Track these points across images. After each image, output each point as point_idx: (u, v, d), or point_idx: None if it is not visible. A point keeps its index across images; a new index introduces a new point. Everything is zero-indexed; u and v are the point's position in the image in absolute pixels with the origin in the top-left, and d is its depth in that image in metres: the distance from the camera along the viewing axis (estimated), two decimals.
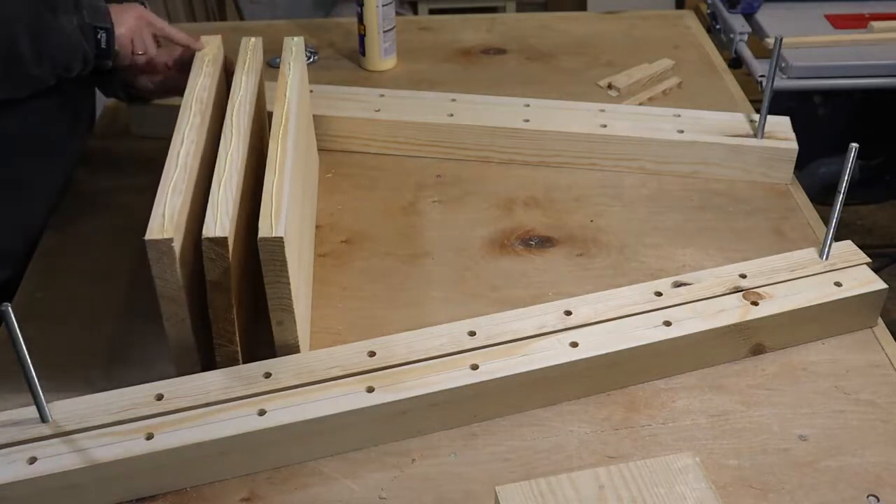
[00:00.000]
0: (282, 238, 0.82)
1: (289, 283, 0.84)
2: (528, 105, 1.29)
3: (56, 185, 1.17)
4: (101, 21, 1.05)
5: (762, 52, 1.79)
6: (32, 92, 1.04)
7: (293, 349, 0.89)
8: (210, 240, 0.82)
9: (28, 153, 1.11)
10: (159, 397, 0.84)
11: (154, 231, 0.81)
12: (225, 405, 0.83)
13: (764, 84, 1.34)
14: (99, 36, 1.04)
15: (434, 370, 0.87)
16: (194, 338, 0.87)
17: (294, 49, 1.13)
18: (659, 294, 0.96)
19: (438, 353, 0.89)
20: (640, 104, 1.40)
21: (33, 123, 1.09)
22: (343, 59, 1.54)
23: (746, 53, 1.81)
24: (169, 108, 1.18)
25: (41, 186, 1.14)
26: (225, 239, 0.82)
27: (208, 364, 0.89)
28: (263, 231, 0.82)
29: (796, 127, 1.24)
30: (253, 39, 1.14)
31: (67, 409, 0.82)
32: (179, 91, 1.05)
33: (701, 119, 1.26)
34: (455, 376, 0.86)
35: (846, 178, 0.94)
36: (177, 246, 0.81)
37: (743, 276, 0.99)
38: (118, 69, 1.13)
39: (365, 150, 1.28)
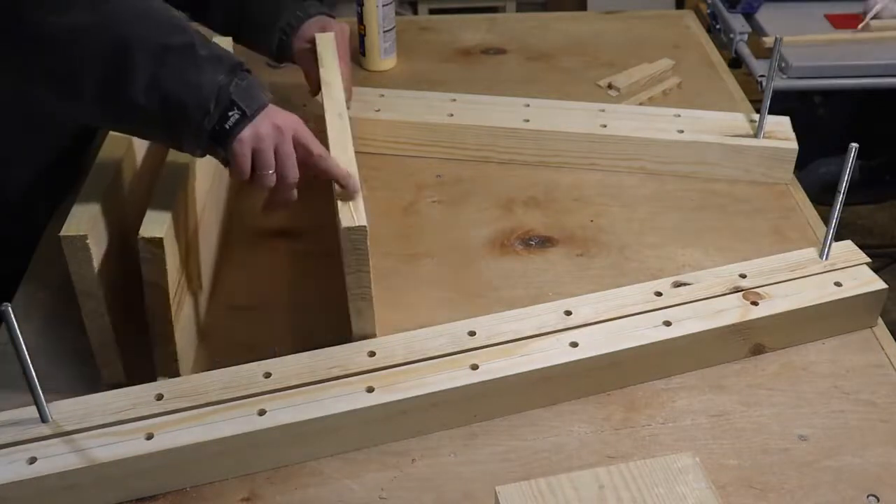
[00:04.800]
0: (365, 227, 0.85)
1: (369, 272, 0.87)
2: (528, 105, 1.29)
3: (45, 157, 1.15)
4: (247, 102, 0.84)
5: (762, 52, 1.79)
6: (128, 126, 0.89)
7: (370, 337, 0.91)
8: (146, 240, 0.83)
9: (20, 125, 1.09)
10: (159, 397, 0.84)
11: (70, 228, 0.83)
12: (225, 405, 0.83)
13: (764, 84, 1.34)
14: (231, 114, 0.84)
15: (434, 370, 0.87)
16: (114, 333, 0.89)
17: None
18: (659, 294, 0.96)
19: (438, 353, 0.89)
20: (640, 104, 1.40)
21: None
22: None
23: (746, 53, 1.81)
24: None
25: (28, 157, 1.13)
26: (161, 239, 0.83)
27: (129, 359, 0.91)
28: (346, 221, 0.85)
29: (796, 127, 1.24)
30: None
31: (67, 409, 0.82)
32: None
33: (701, 119, 1.26)
34: (455, 376, 0.86)
35: (846, 178, 0.94)
36: (93, 243, 0.83)
37: (743, 276, 0.99)
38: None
39: (365, 150, 1.28)
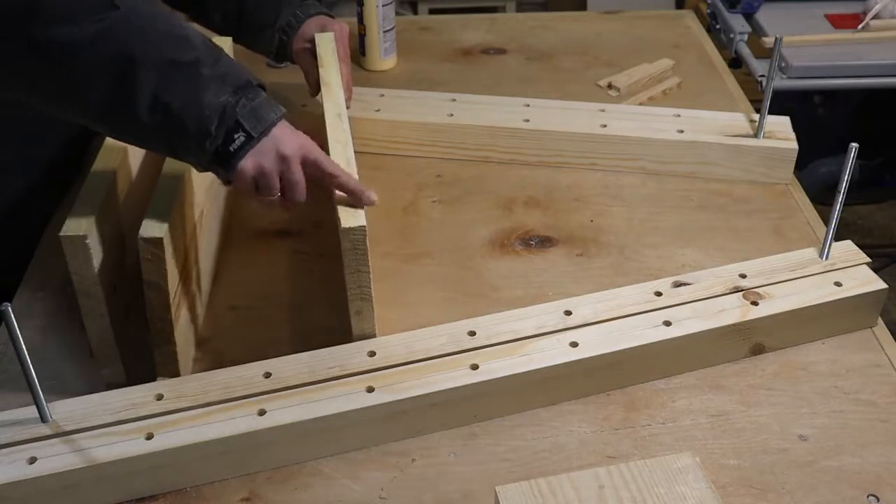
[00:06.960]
0: (364, 227, 0.85)
1: (369, 272, 0.87)
2: (528, 105, 1.29)
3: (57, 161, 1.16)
4: (252, 124, 0.83)
5: (762, 52, 1.79)
6: (132, 140, 0.87)
7: (370, 337, 0.91)
8: (146, 240, 0.83)
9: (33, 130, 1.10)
10: (159, 397, 0.84)
11: (70, 228, 0.83)
12: (225, 405, 0.83)
13: (764, 84, 1.34)
14: (236, 136, 0.82)
15: (434, 370, 0.87)
16: (114, 333, 0.89)
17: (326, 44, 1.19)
18: (659, 294, 0.96)
19: (438, 353, 0.89)
20: (640, 104, 1.40)
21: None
22: None
23: (746, 53, 1.81)
24: None
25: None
26: (160, 239, 0.83)
27: (129, 359, 0.92)
28: (346, 221, 0.85)
29: (796, 127, 1.24)
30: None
31: (67, 409, 0.82)
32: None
33: (701, 119, 1.26)
34: (455, 376, 0.86)
35: (846, 178, 0.94)
36: (93, 243, 0.84)
37: (743, 276, 0.99)
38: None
39: (365, 150, 1.28)
